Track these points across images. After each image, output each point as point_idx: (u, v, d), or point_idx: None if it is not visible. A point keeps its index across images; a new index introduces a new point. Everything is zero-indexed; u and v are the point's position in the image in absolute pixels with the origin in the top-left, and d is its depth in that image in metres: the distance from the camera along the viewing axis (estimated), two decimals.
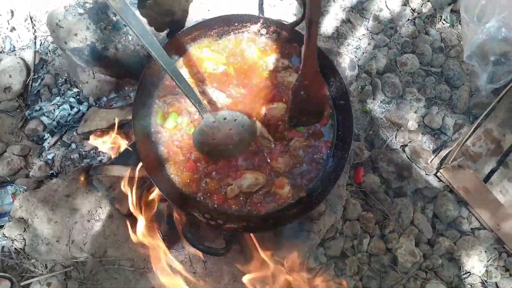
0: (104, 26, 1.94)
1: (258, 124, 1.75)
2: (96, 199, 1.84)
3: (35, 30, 2.32)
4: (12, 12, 2.32)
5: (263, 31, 1.91)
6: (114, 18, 1.95)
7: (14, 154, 2.11)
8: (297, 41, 1.89)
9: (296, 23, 1.87)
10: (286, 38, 1.90)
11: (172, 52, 1.79)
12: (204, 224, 1.65)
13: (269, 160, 1.78)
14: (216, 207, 1.74)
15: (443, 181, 2.31)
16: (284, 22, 1.86)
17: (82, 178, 1.85)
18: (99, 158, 2.16)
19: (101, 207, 1.83)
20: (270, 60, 1.89)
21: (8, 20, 2.31)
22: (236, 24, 1.87)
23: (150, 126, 1.75)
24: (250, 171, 1.76)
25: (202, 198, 1.73)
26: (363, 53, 2.50)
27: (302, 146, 1.79)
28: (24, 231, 1.87)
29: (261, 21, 1.87)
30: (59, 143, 2.20)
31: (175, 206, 1.66)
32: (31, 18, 2.32)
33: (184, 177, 1.74)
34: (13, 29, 2.31)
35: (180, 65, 1.82)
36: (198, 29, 1.82)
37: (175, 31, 1.71)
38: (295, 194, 1.79)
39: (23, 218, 1.83)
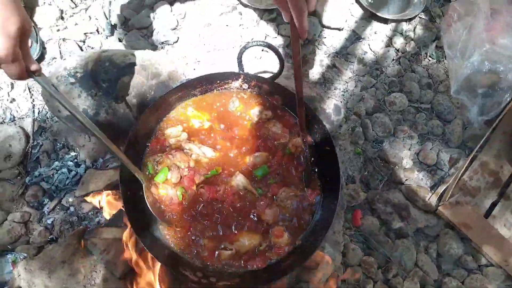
0: (94, 93, 2.03)
1: (241, 177, 1.77)
2: (91, 263, 1.85)
3: (33, 99, 2.43)
4: (12, 84, 2.45)
5: (245, 86, 1.98)
6: (103, 84, 2.04)
7: (15, 222, 2.16)
8: (278, 93, 1.95)
9: (275, 76, 1.93)
10: (267, 91, 1.97)
11: (160, 111, 1.87)
12: (196, 283, 1.64)
13: (254, 215, 1.78)
14: (208, 265, 1.74)
15: (443, 219, 2.26)
16: (264, 77, 1.93)
17: (76, 243, 1.87)
18: (97, 219, 2.19)
19: (96, 271, 1.84)
20: (254, 112, 1.94)
21: (8, 92, 2.44)
22: (218, 81, 1.95)
23: (139, 187, 1.79)
24: (244, 233, 1.77)
25: (194, 257, 1.74)
26: (350, 95, 2.54)
27: (289, 196, 1.79)
28: None
29: (241, 77, 1.95)
30: (58, 207, 2.24)
31: (165, 266, 1.66)
32: (29, 89, 2.44)
33: (176, 238, 1.75)
34: (13, 100, 2.43)
35: (166, 124, 1.89)
36: (183, 89, 1.90)
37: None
38: (292, 241, 1.79)
39: (21, 287, 1.84)
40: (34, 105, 2.43)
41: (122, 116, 2.04)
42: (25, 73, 1.28)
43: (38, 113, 2.41)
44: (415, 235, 2.27)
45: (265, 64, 2.48)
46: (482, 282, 2.13)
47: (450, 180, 2.29)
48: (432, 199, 2.28)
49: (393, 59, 2.65)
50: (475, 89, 2.43)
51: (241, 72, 1.93)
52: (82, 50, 2.54)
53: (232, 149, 1.88)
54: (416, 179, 2.38)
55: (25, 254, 2.06)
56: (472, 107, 2.46)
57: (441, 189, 2.29)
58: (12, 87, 2.44)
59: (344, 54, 2.66)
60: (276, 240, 1.77)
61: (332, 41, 2.68)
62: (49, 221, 2.20)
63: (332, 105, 2.13)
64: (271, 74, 1.95)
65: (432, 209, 2.28)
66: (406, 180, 2.37)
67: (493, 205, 2.31)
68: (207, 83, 1.92)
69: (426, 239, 2.27)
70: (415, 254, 2.19)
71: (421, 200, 2.28)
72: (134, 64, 2.06)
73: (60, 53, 2.53)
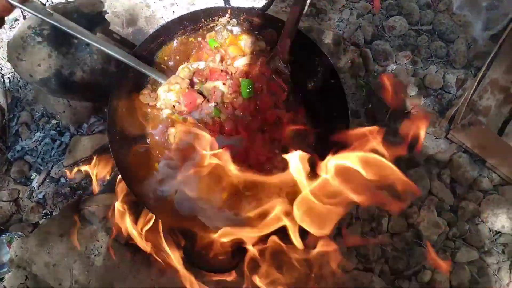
0: (66, 50, 1.82)
1: None
2: (91, 232, 1.73)
3: (1, 68, 2.21)
4: None
5: (233, 21, 1.78)
6: (75, 40, 1.82)
7: (3, 201, 2.02)
8: (271, 26, 1.75)
9: (267, 6, 1.74)
10: (259, 24, 1.77)
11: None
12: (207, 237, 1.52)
13: None
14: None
15: (455, 143, 2.16)
16: (254, 9, 1.73)
17: (72, 214, 1.74)
18: (91, 188, 2.05)
19: (98, 241, 1.72)
20: (245, 44, 1.75)
21: None
22: (203, 19, 1.74)
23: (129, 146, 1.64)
24: None
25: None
26: (346, 25, 2.34)
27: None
28: (26, 279, 1.78)
29: (228, 12, 1.75)
30: (47, 180, 2.10)
31: (171, 225, 1.54)
32: None
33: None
34: None
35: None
36: (163, 33, 1.70)
37: None
38: None
39: (20, 267, 1.73)
40: (2, 74, 2.21)
41: (101, 73, 1.84)
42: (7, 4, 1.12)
43: (9, 82, 2.20)
44: (426, 163, 2.17)
45: None
46: (498, 202, 2.06)
47: (460, 102, 2.16)
48: (442, 123, 2.16)
49: None
50: (479, 2, 2.25)
51: (227, 5, 1.72)
52: (45, 5, 2.28)
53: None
54: (423, 105, 2.25)
55: (20, 233, 1.94)
56: (476, 23, 2.29)
57: (450, 112, 2.16)
58: None
59: None
60: None
61: None
62: (40, 196, 2.06)
63: (331, 35, 1.95)
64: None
65: (443, 134, 2.16)
66: (413, 108, 2.23)
67: (505, 122, 2.20)
68: (190, 23, 1.72)
69: (438, 166, 2.17)
70: (429, 182, 2.09)
71: (431, 127, 2.16)
72: (105, 12, 1.84)
73: (22, 13, 2.28)
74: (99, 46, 1.50)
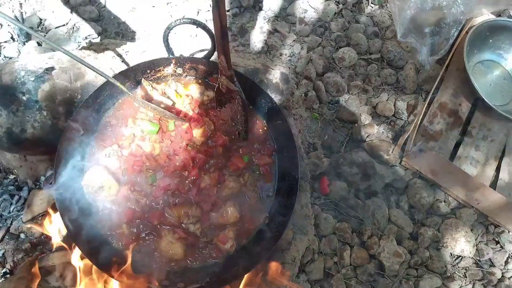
0: (16, 109, 1.82)
1: None
2: None
3: None
4: None
5: (179, 70, 1.81)
6: (24, 97, 1.82)
7: None
8: (216, 71, 1.79)
9: (209, 54, 1.78)
10: (205, 71, 1.81)
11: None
12: None
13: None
14: (174, 268, 1.62)
15: (409, 169, 2.21)
16: (197, 57, 1.77)
17: (28, 274, 1.71)
18: (51, 242, 2.03)
19: None
20: (194, 95, 1.79)
21: None
22: (148, 71, 1.77)
23: (82, 201, 1.65)
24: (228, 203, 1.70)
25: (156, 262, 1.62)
26: (298, 59, 2.40)
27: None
28: None
29: (173, 62, 1.78)
30: (7, 237, 2.06)
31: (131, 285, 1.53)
32: None
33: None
34: None
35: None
36: (111, 87, 1.71)
37: None
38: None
39: None
40: None
41: (51, 129, 1.84)
42: None
43: None
44: (384, 191, 2.21)
45: (202, 42, 2.29)
46: (457, 226, 2.11)
47: (410, 128, 2.22)
48: (395, 151, 2.22)
49: (335, 13, 2.52)
50: (422, 29, 2.34)
51: (170, 56, 1.76)
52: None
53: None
54: (377, 133, 2.30)
55: None
56: (421, 48, 2.37)
57: (402, 139, 2.22)
58: None
59: (284, 16, 2.50)
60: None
61: (269, 3, 2.50)
62: None
63: (278, 74, 1.99)
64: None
65: (397, 161, 2.22)
66: (367, 136, 2.29)
67: (457, 145, 2.26)
68: (135, 75, 1.74)
69: (396, 193, 2.22)
70: (387, 210, 2.14)
71: (385, 154, 2.21)
72: (52, 68, 1.85)
73: None
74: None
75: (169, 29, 1.70)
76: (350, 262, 2.03)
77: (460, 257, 2.10)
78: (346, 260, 2.02)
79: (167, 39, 1.74)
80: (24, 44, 2.34)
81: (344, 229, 2.05)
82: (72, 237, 1.51)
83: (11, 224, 2.07)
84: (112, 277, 1.50)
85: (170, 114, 1.71)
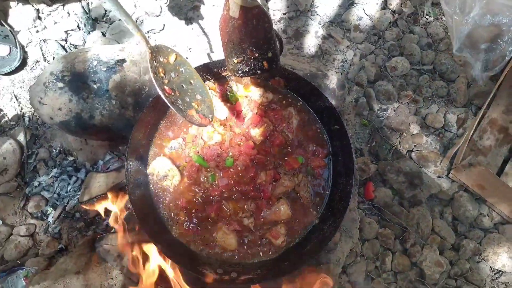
0: (86, 96, 1.93)
1: None
2: (106, 270, 1.81)
3: (21, 108, 2.32)
4: None
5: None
6: (94, 86, 1.93)
7: (21, 236, 2.10)
8: (278, 74, 1.85)
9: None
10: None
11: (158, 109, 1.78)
12: (217, 281, 1.60)
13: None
14: (227, 259, 1.70)
15: (456, 182, 2.23)
16: None
17: (87, 251, 1.82)
18: (105, 223, 2.14)
19: (112, 278, 1.79)
20: (254, 96, 1.86)
21: None
22: (215, 69, 1.84)
23: (149, 188, 1.74)
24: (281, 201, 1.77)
25: (210, 252, 1.70)
26: (350, 65, 2.45)
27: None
28: None
29: None
30: (63, 215, 2.18)
31: (185, 268, 1.61)
32: (15, 97, 2.32)
33: (190, 236, 1.71)
34: (0, 110, 2.31)
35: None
36: None
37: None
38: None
39: None
40: (23, 113, 2.32)
41: (118, 117, 1.94)
42: None
43: (29, 120, 2.31)
44: (429, 201, 2.24)
45: None
46: (499, 241, 2.12)
47: (461, 141, 2.24)
48: (443, 163, 2.24)
49: (390, 22, 2.54)
50: (478, 44, 2.34)
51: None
52: (65, 49, 2.41)
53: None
54: (425, 144, 2.33)
55: (36, 268, 2.01)
56: (475, 64, 2.38)
57: (451, 152, 2.24)
58: None
59: (339, 22, 2.55)
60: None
61: (325, 9, 2.55)
62: (56, 230, 2.14)
63: (335, 80, 2.04)
64: None
65: (444, 173, 2.24)
66: (415, 146, 2.31)
67: (505, 162, 2.27)
68: (203, 73, 1.82)
69: (441, 204, 2.24)
70: (431, 221, 2.16)
71: (433, 165, 2.24)
72: (123, 60, 1.95)
73: (43, 55, 2.40)
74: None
75: None
76: (391, 268, 2.07)
77: (501, 272, 2.11)
78: (387, 265, 2.06)
79: None
80: (89, 33, 2.46)
81: (387, 235, 2.10)
82: (138, 219, 1.60)
83: (67, 203, 2.19)
84: (172, 260, 1.59)
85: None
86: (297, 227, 1.78)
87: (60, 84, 1.91)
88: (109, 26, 2.47)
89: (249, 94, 1.85)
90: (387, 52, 2.50)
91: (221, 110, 1.82)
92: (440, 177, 2.26)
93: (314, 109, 1.86)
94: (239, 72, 1.53)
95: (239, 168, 1.76)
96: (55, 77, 1.92)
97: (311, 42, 2.47)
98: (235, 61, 1.47)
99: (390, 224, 2.16)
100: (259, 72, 1.51)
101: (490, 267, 2.12)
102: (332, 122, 1.81)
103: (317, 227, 1.77)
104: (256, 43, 1.40)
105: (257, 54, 1.44)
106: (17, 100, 2.32)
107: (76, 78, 1.91)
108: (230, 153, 1.77)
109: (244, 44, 1.41)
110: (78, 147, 2.22)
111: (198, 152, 1.77)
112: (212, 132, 1.79)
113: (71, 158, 2.26)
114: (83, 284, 1.79)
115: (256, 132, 1.80)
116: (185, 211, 1.72)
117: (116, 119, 1.94)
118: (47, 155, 2.27)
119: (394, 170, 2.22)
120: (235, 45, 1.42)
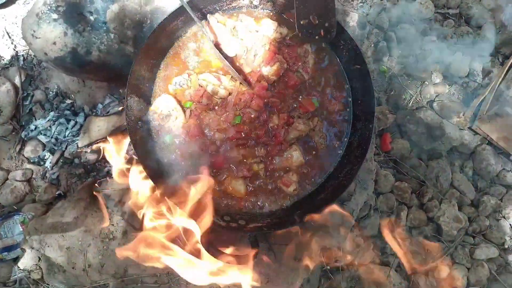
0: (82, 28, 1.76)
1: None
2: (106, 216, 1.71)
3: (15, 45, 2.16)
4: None
5: (256, 1, 1.70)
6: (91, 17, 1.76)
7: (17, 180, 2.00)
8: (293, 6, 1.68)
9: None
10: (282, 4, 1.69)
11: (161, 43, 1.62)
12: (225, 228, 1.50)
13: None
14: (235, 207, 1.59)
15: (479, 134, 2.08)
16: None
17: (87, 197, 1.72)
18: (106, 169, 2.02)
19: (113, 224, 1.69)
20: (267, 30, 1.68)
21: None
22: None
23: (151, 130, 1.61)
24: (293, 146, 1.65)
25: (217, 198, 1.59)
26: (370, 6, 2.25)
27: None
28: (39, 260, 1.77)
29: None
30: (61, 160, 2.07)
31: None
32: (8, 34, 2.15)
33: None
34: None
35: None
36: (184, 13, 1.62)
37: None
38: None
39: (34, 248, 1.72)
40: (17, 52, 2.15)
41: (117, 53, 1.78)
42: None
43: (23, 60, 2.15)
44: (448, 154, 2.11)
45: None
46: None
47: (486, 91, 2.08)
48: (467, 114, 2.09)
49: None
50: None
51: None
52: None
53: None
54: (447, 94, 2.17)
55: (33, 213, 1.92)
56: (506, 7, 2.18)
57: (476, 102, 2.09)
58: None
59: None
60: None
61: None
62: (53, 176, 2.03)
63: (356, 18, 1.86)
64: None
65: (467, 125, 2.09)
66: (436, 96, 2.16)
67: None
68: (211, 2, 1.65)
69: (461, 158, 2.11)
70: (451, 174, 2.04)
71: (455, 116, 2.09)
72: None
73: None
74: None
75: None
76: (407, 223, 1.96)
77: None
78: (402, 219, 1.95)
79: None
80: None
81: (404, 189, 1.98)
82: (141, 161, 1.47)
83: (65, 148, 2.06)
84: (175, 204, 1.48)
85: (235, 74, 1.62)
86: (310, 175, 1.65)
87: (54, 16, 1.74)
88: None
89: (260, 29, 1.68)
90: None
91: (230, 46, 1.66)
92: (462, 129, 2.11)
93: (335, 45, 1.70)
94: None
95: (252, 116, 1.61)
96: (49, 7, 1.74)
97: None
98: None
99: (406, 178, 2.04)
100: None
101: (510, 225, 2.01)
102: (352, 60, 1.65)
103: (332, 175, 1.65)
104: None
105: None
106: (9, 37, 2.15)
107: (71, 9, 1.74)
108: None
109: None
110: (75, 89, 2.08)
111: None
112: (217, 86, 1.63)
113: (68, 101, 2.12)
114: (81, 230, 1.70)
115: (269, 71, 1.65)
116: (189, 154, 1.60)
117: (115, 55, 1.78)
118: (44, 97, 2.13)
119: (413, 121, 2.07)
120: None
